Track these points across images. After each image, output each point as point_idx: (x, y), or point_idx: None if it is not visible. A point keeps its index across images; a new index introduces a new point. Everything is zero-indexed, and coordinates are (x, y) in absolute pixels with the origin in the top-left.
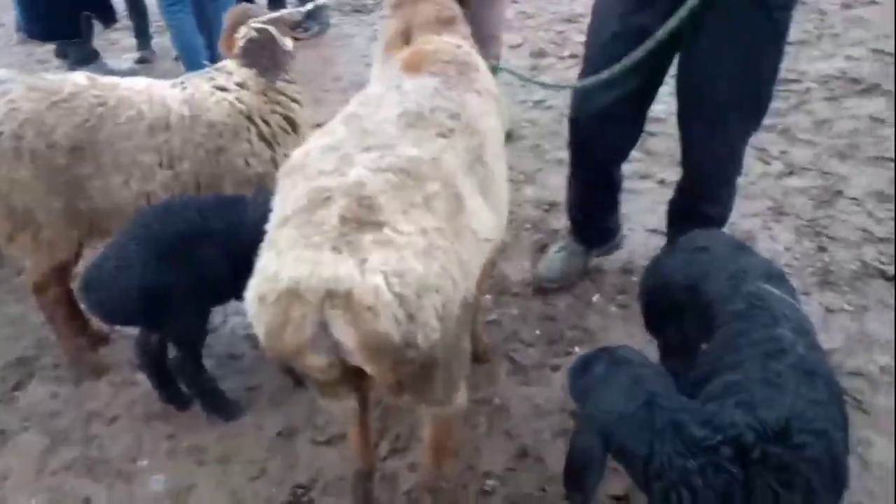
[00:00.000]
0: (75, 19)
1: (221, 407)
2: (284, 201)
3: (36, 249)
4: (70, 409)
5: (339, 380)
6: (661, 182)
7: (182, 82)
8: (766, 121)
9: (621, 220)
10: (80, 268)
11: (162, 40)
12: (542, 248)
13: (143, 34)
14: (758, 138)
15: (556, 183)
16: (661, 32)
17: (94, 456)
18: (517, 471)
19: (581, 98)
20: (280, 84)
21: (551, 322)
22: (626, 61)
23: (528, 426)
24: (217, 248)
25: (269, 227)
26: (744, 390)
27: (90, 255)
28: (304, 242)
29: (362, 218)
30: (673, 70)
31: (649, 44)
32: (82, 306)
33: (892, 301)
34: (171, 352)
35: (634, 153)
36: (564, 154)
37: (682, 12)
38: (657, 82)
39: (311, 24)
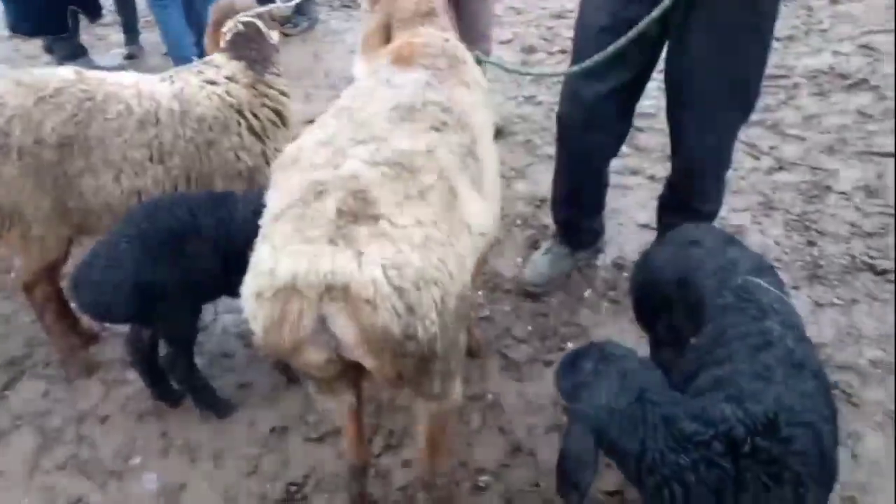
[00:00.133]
0: (62, 14)
1: (214, 404)
2: (279, 196)
3: (25, 248)
4: (62, 407)
5: (336, 376)
6: (652, 178)
7: (171, 76)
8: (755, 116)
9: (605, 222)
10: (70, 266)
11: (150, 36)
12: (534, 244)
13: (131, 30)
14: (747, 133)
15: (547, 178)
16: (644, 23)
17: (87, 455)
18: (511, 466)
19: (569, 93)
20: (269, 77)
21: (543, 318)
22: (611, 49)
23: (521, 422)
24: (207, 245)
25: (263, 221)
26: (733, 384)
27: (80, 253)
28: (300, 236)
29: (358, 211)
30: (661, 66)
31: (632, 33)
32: (73, 304)
33: (881, 295)
34: (163, 349)
35: (625, 149)
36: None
37: (667, 3)
38: (645, 77)
39: (299, 19)
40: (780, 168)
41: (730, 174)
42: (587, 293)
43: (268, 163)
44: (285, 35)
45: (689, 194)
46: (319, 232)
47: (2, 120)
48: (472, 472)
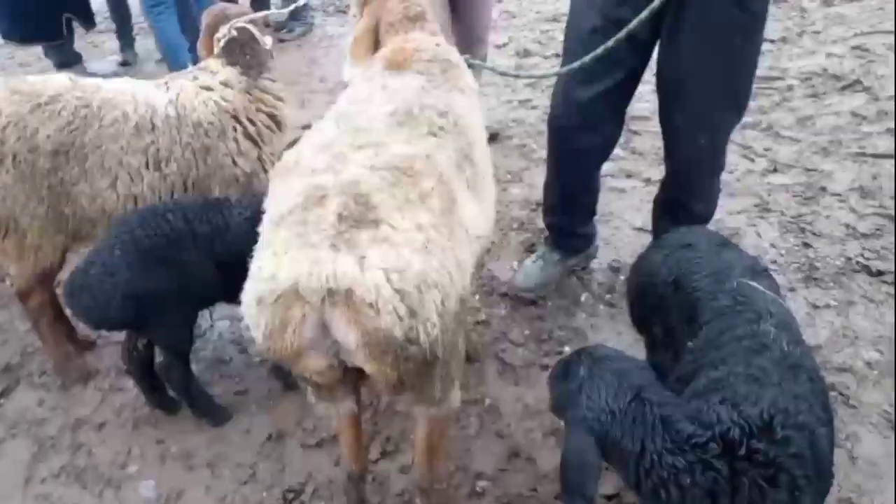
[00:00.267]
0: (56, 21)
1: (210, 411)
2: (278, 201)
3: (20, 256)
4: (57, 415)
5: (336, 382)
6: (647, 181)
7: (166, 83)
8: (750, 118)
9: (599, 226)
10: (65, 273)
11: (145, 42)
12: (529, 248)
13: (125, 36)
14: (742, 135)
15: (542, 182)
16: (634, 23)
17: (83, 463)
18: (508, 471)
19: (561, 95)
20: (263, 82)
21: (540, 321)
22: (601, 49)
23: (519, 426)
24: (202, 251)
25: (263, 227)
26: (728, 386)
27: (75, 261)
28: (301, 242)
29: (359, 216)
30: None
31: (622, 34)
32: (68, 312)
33: (877, 296)
34: (159, 357)
35: (620, 152)
36: None
37: (656, 3)
38: (636, 78)
39: (294, 24)
40: (775, 170)
41: (725, 177)
42: (583, 297)
43: (264, 168)
44: (281, 41)
45: (684, 196)
46: (321, 237)
47: None
48: (470, 477)
